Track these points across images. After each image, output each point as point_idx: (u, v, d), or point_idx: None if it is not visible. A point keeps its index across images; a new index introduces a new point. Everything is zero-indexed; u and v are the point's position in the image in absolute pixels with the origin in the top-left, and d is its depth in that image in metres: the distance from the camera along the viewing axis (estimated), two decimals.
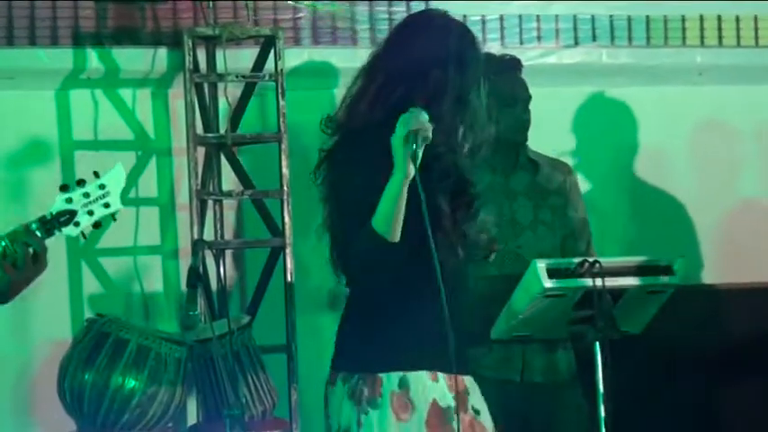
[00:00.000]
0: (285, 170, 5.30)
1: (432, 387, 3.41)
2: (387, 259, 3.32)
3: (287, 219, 5.30)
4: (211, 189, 5.37)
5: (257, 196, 5.38)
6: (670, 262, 4.41)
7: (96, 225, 3.33)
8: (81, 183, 3.33)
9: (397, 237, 3.30)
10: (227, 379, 4.77)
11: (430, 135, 3.25)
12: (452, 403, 3.39)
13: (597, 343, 4.27)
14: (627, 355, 4.35)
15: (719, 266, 5.91)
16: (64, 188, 3.32)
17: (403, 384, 3.42)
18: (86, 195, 3.33)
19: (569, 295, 4.26)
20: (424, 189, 3.21)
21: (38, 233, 3.28)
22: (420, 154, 3.23)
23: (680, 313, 4.90)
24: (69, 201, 3.31)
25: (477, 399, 3.47)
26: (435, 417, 3.39)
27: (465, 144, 3.43)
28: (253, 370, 4.97)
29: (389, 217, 3.28)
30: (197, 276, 4.38)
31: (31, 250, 3.26)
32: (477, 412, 3.47)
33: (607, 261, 4.23)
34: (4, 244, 3.26)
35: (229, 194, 5.39)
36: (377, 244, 3.30)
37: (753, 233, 5.87)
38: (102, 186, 3.34)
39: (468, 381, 3.48)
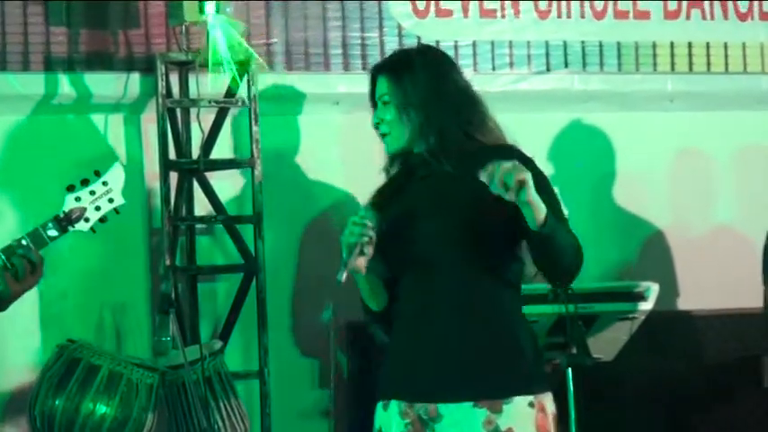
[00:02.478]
0: (258, 196, 5.29)
1: (379, 415, 3.45)
2: (381, 321, 3.49)
3: (259, 244, 5.29)
4: (184, 214, 5.35)
5: (230, 221, 5.36)
6: (642, 288, 4.42)
7: (102, 220, 3.61)
8: (85, 182, 3.59)
9: (381, 307, 3.46)
10: (198, 405, 4.75)
11: (369, 249, 3.31)
12: (404, 430, 3.40)
13: (569, 369, 4.28)
14: (600, 382, 4.36)
15: (695, 292, 5.92)
16: (71, 188, 3.57)
17: (382, 412, 3.47)
18: (92, 193, 3.59)
19: (542, 321, 4.26)
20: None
21: (52, 233, 3.50)
22: (352, 265, 3.30)
23: (655, 339, 4.92)
24: (78, 199, 3.57)
25: (454, 425, 3.41)
26: None
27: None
28: (225, 396, 4.95)
29: (366, 296, 3.46)
30: (169, 302, 4.37)
31: (28, 262, 3.47)
32: None
33: (579, 287, 4.23)
34: (3, 258, 3.47)
35: (201, 220, 5.38)
36: (371, 314, 3.49)
37: (728, 259, 5.89)
38: (105, 183, 3.61)
39: (445, 408, 3.39)
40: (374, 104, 3.51)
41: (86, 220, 3.57)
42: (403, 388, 3.40)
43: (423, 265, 3.40)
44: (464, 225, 3.38)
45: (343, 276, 3.29)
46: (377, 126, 3.50)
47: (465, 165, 3.40)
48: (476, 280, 3.39)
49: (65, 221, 3.53)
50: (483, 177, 3.20)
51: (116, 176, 3.64)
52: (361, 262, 3.32)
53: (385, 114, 3.47)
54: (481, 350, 3.36)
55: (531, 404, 3.35)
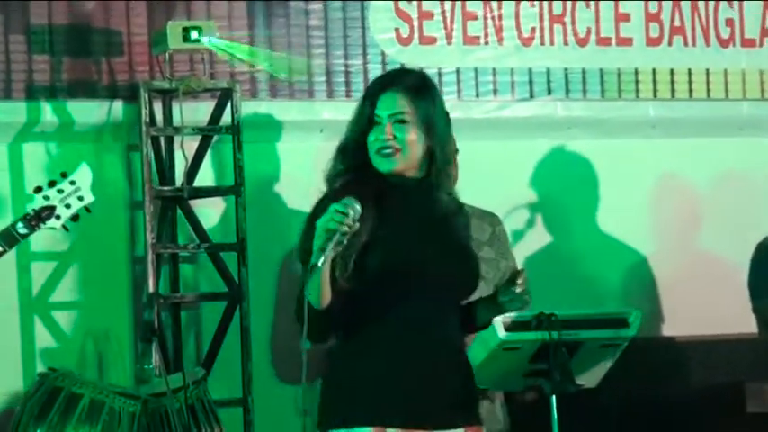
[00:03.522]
0: (242, 223, 5.29)
1: None
2: (317, 322, 3.38)
3: (243, 272, 5.29)
4: (167, 242, 5.35)
5: (213, 249, 5.36)
6: (625, 315, 4.42)
7: (75, 218, 3.71)
8: (52, 183, 3.69)
9: (324, 305, 3.36)
10: None
11: (345, 239, 3.29)
12: None
13: (553, 396, 4.27)
14: (583, 409, 4.35)
15: (678, 319, 5.93)
16: (38, 189, 3.67)
17: None
18: (61, 192, 3.70)
19: (525, 348, 4.26)
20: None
21: (22, 230, 3.61)
22: (329, 252, 3.28)
23: (638, 366, 4.92)
24: (47, 198, 3.67)
25: None
26: None
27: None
28: (208, 424, 4.93)
29: (315, 289, 3.36)
30: (152, 330, 4.35)
31: None
32: None
33: (563, 314, 4.23)
34: None
35: (185, 247, 5.37)
36: (308, 307, 3.38)
37: (710, 285, 5.89)
38: (72, 183, 3.72)
39: None
40: (370, 121, 3.45)
41: (57, 217, 3.67)
42: (395, 414, 3.38)
43: (404, 288, 3.40)
44: (447, 259, 3.45)
45: (320, 261, 3.24)
46: (385, 142, 3.43)
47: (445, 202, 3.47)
48: (448, 313, 3.48)
49: (34, 219, 3.61)
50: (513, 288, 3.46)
51: (83, 176, 3.74)
52: (331, 253, 3.28)
53: (400, 132, 3.44)
54: (460, 379, 3.48)
55: None
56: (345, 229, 3.27)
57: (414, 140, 3.43)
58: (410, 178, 3.46)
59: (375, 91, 3.47)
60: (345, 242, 3.28)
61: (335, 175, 3.50)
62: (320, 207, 3.42)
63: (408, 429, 3.40)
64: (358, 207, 3.30)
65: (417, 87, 3.47)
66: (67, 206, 3.69)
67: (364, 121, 3.46)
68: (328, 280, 3.34)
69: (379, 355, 3.41)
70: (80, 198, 3.72)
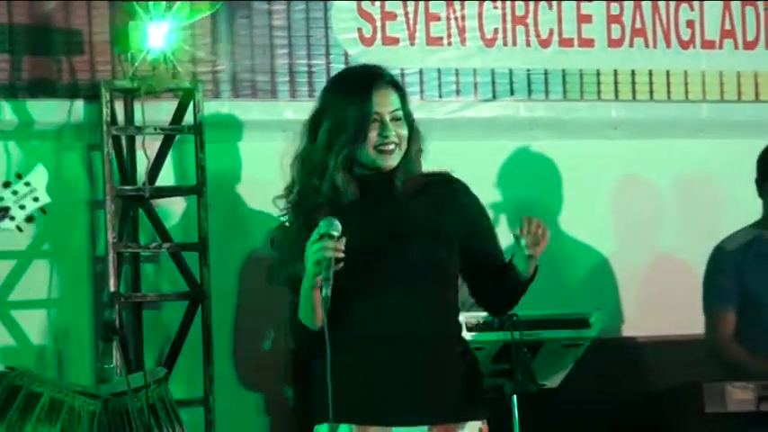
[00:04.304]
0: (204, 223, 5.28)
1: None
2: (314, 342, 3.41)
3: (205, 272, 5.28)
4: (128, 242, 5.33)
5: (175, 249, 5.35)
6: (586, 315, 4.45)
7: (29, 219, 3.69)
8: (7, 184, 3.67)
9: (319, 324, 3.38)
10: None
11: (338, 254, 3.30)
12: None
13: (515, 396, 4.29)
14: (544, 408, 4.37)
15: (639, 319, 5.95)
16: None
17: None
18: (15, 193, 3.68)
19: (488, 348, 4.27)
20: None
21: None
22: (330, 278, 3.29)
23: (599, 366, 4.94)
24: (1, 199, 3.65)
25: None
26: None
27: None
28: (169, 423, 4.92)
29: (307, 312, 3.40)
30: (112, 329, 4.34)
31: None
32: None
33: (525, 314, 4.25)
34: None
35: (147, 247, 5.36)
36: (304, 332, 3.44)
37: (670, 286, 5.92)
38: (27, 184, 3.69)
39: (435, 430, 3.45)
40: (367, 119, 3.46)
41: (12, 218, 3.64)
42: (355, 411, 3.40)
43: (382, 288, 3.42)
44: (425, 253, 3.45)
45: (329, 292, 3.27)
46: (388, 138, 3.47)
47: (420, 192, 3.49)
48: (429, 307, 3.46)
49: None
50: (523, 231, 3.43)
51: (39, 177, 3.71)
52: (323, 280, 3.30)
53: (398, 128, 3.49)
54: (435, 375, 3.44)
55: (480, 430, 3.48)
56: (339, 254, 3.30)
57: (406, 135, 3.50)
58: (386, 173, 3.50)
59: (365, 88, 3.49)
60: (341, 263, 3.32)
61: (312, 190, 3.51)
62: (289, 232, 3.46)
63: (370, 426, 3.42)
64: (338, 223, 3.32)
65: (396, 82, 3.54)
66: (22, 207, 3.66)
67: (367, 120, 3.47)
68: (320, 304, 3.35)
69: (359, 351, 3.43)
70: (35, 199, 3.68)
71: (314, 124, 3.54)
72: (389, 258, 3.43)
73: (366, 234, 3.42)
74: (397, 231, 3.46)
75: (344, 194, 3.46)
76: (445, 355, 3.47)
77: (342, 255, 3.30)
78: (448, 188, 3.58)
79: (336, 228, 3.31)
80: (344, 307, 3.40)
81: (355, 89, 3.50)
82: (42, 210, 3.69)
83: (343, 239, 3.30)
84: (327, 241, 3.28)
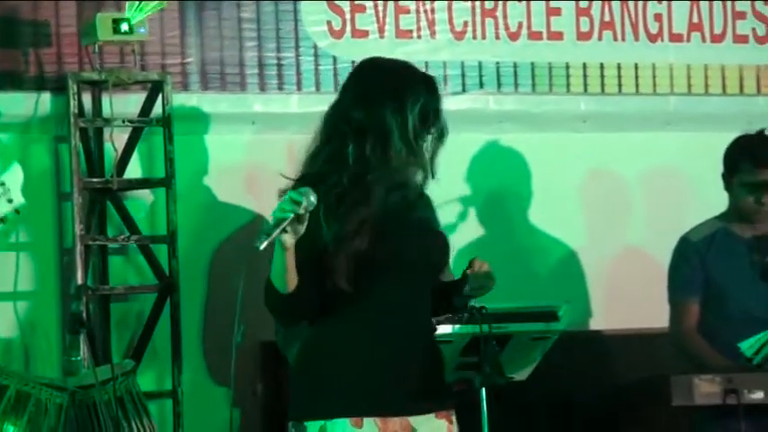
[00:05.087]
0: (172, 215, 5.27)
1: None
2: (285, 307, 3.44)
3: (174, 264, 5.27)
4: (96, 234, 5.32)
5: (143, 241, 5.33)
6: (555, 308, 4.45)
7: (2, 220, 3.60)
8: None
9: (290, 289, 3.40)
10: (110, 425, 4.71)
11: (301, 229, 3.32)
12: None
13: (483, 389, 4.30)
14: (512, 402, 4.38)
15: (606, 313, 5.98)
16: None
17: None
18: None
19: (456, 341, 4.28)
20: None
21: None
22: (281, 238, 3.32)
23: (567, 359, 4.95)
24: None
25: None
26: None
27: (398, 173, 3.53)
28: (137, 416, 4.91)
29: (279, 273, 3.40)
30: (79, 322, 4.33)
31: None
32: None
33: (493, 307, 4.25)
34: None
35: (115, 239, 5.35)
36: (274, 295, 3.43)
37: (637, 280, 5.95)
38: (2, 184, 3.60)
39: (417, 421, 3.50)
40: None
41: None
42: (372, 403, 3.42)
43: (380, 283, 3.45)
44: (417, 242, 3.53)
45: (263, 245, 3.29)
46: None
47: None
48: (420, 298, 3.55)
49: None
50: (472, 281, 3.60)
51: (14, 177, 3.62)
52: (288, 239, 3.31)
53: None
54: (433, 364, 3.56)
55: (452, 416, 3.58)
56: (291, 216, 3.30)
57: None
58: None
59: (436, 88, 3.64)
60: (300, 230, 3.31)
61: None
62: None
63: (385, 417, 3.45)
64: (313, 198, 3.32)
65: None
66: None
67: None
68: (293, 267, 3.37)
69: (352, 345, 3.45)
70: (9, 200, 3.61)
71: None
72: (395, 256, 3.48)
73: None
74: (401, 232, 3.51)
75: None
76: (434, 345, 3.60)
77: (300, 224, 3.30)
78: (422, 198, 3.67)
79: (308, 199, 3.32)
80: (335, 297, 3.43)
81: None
82: (17, 211, 3.62)
83: (307, 213, 3.31)
84: (289, 204, 3.31)
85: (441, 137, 3.60)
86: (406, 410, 3.48)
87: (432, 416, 3.53)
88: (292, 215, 3.29)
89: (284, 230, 3.30)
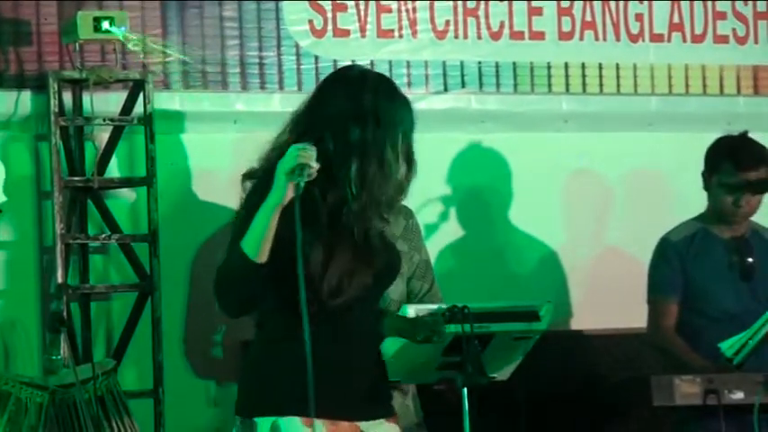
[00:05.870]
0: (154, 214, 5.26)
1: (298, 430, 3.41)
2: (246, 277, 3.33)
3: (155, 263, 5.26)
4: (77, 233, 5.30)
5: (124, 240, 5.32)
6: (536, 308, 4.45)
7: None
8: None
9: (263, 258, 3.32)
10: (90, 424, 4.70)
11: (315, 173, 3.29)
12: None
13: (465, 389, 4.30)
14: (493, 401, 4.38)
15: (586, 313, 5.99)
16: None
17: (274, 430, 3.42)
18: None
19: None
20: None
21: None
22: (302, 186, 3.27)
23: (548, 359, 4.96)
24: None
25: None
26: None
27: (378, 201, 3.47)
28: (117, 415, 4.90)
29: (257, 237, 3.30)
30: (60, 320, 4.33)
31: None
32: None
33: (475, 307, 4.25)
34: None
35: (96, 238, 5.33)
36: (241, 261, 3.31)
37: (617, 280, 5.96)
38: None
39: (366, 425, 3.50)
40: None
41: None
42: (327, 406, 3.39)
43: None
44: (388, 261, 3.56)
45: (303, 182, 3.23)
46: None
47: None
48: (372, 302, 3.56)
49: None
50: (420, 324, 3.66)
51: None
52: (294, 186, 3.26)
53: None
54: (381, 370, 3.57)
55: None
56: (311, 162, 3.26)
57: None
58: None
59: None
60: (312, 175, 3.27)
61: None
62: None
63: (335, 420, 3.44)
64: (314, 152, 3.29)
65: None
66: None
67: None
68: (273, 231, 3.29)
69: (305, 346, 3.38)
70: None
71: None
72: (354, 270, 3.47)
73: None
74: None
75: None
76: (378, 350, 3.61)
77: (314, 167, 3.26)
78: None
79: (312, 147, 3.29)
80: (286, 294, 3.38)
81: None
82: None
83: (317, 164, 3.28)
84: (305, 151, 3.27)
85: (414, 166, 3.54)
86: (356, 415, 3.48)
87: (382, 420, 3.53)
88: (311, 162, 3.25)
89: (309, 175, 3.25)
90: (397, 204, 4.50)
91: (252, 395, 3.47)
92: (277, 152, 3.42)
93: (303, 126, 3.48)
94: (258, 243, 3.29)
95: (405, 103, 3.54)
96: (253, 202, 3.36)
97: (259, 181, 3.43)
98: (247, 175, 3.50)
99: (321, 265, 3.38)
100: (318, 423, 3.40)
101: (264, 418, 3.43)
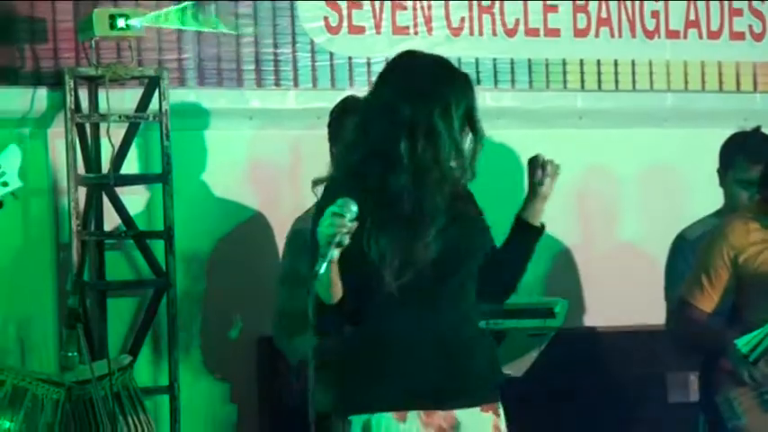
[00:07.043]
0: (169, 211, 5.27)
1: (395, 427, 3.42)
2: (331, 314, 3.43)
3: (170, 259, 5.27)
4: (93, 229, 5.32)
5: (140, 237, 5.33)
6: (551, 305, 4.45)
7: None
8: None
9: (336, 299, 3.40)
10: (106, 420, 4.71)
11: (346, 239, 3.32)
12: None
13: None
14: (507, 398, 4.38)
15: (601, 310, 5.98)
16: None
17: (366, 427, 3.44)
18: None
19: None
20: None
21: None
22: (333, 255, 3.31)
23: (562, 356, 4.96)
24: None
25: (471, 430, 3.48)
26: None
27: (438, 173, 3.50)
28: (133, 411, 4.91)
29: (325, 287, 3.39)
30: (76, 317, 4.33)
31: None
32: None
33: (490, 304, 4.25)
34: None
35: (111, 235, 5.35)
36: (321, 304, 3.42)
37: (631, 276, 5.95)
38: None
39: (462, 414, 3.48)
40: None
41: None
42: (420, 398, 3.40)
43: (422, 280, 3.43)
44: (461, 243, 3.56)
45: (323, 268, 3.28)
46: None
47: None
48: (461, 292, 3.53)
49: None
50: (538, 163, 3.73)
51: (11, 159, 3.51)
52: (336, 253, 3.31)
53: None
54: (473, 357, 3.52)
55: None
56: (344, 230, 3.30)
57: None
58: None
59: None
60: (345, 242, 3.31)
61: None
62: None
63: (429, 411, 3.44)
64: (354, 208, 3.32)
65: None
66: None
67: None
68: (338, 277, 3.36)
69: (396, 340, 3.41)
70: (4, 184, 3.51)
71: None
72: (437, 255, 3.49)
73: None
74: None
75: None
76: (481, 337, 3.60)
77: (347, 234, 3.29)
78: None
79: (350, 209, 3.31)
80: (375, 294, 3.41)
81: None
82: (14, 194, 3.49)
83: (354, 223, 3.30)
84: (334, 218, 3.29)
85: (480, 137, 3.57)
86: (450, 404, 3.46)
87: (477, 409, 3.50)
88: (343, 230, 3.29)
89: (338, 244, 3.29)
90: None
91: (345, 393, 3.49)
92: (344, 161, 3.48)
93: (364, 122, 3.50)
94: (329, 292, 3.39)
95: (457, 77, 3.58)
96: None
97: (329, 191, 3.47)
98: (317, 182, 3.53)
99: (380, 251, 3.40)
100: (413, 415, 3.41)
101: (358, 416, 3.44)
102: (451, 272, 3.50)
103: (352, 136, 3.53)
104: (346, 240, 3.31)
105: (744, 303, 4.52)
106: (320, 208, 3.42)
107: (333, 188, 3.46)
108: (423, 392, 3.41)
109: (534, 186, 3.68)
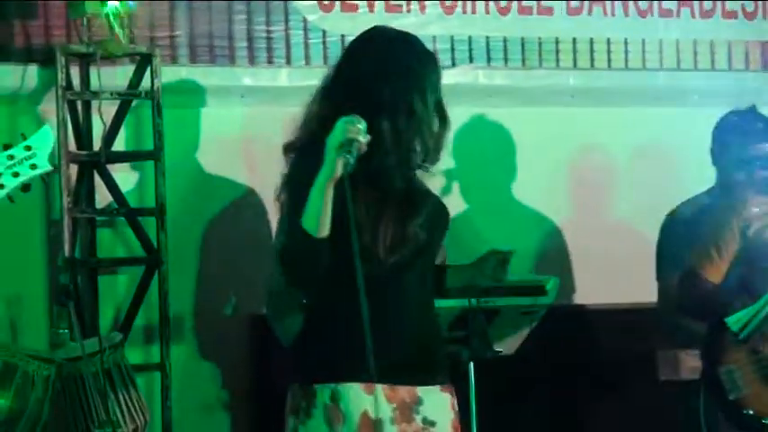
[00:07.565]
0: (161, 188, 5.26)
1: (363, 399, 3.43)
2: (312, 253, 3.37)
3: (162, 237, 5.27)
4: (84, 206, 5.31)
5: (131, 214, 5.33)
6: (542, 282, 4.46)
7: (25, 188, 3.33)
8: (8, 147, 3.31)
9: (323, 233, 3.35)
10: (97, 397, 4.71)
11: (365, 147, 3.31)
12: (391, 414, 3.45)
13: (471, 363, 4.31)
14: (496, 375, 4.39)
15: (592, 287, 5.99)
16: None
17: (335, 396, 3.45)
18: (11, 158, 3.32)
19: (444, 315, 4.28)
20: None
21: None
22: (352, 162, 3.29)
23: (553, 333, 4.97)
24: None
25: (433, 409, 3.51)
26: (366, 428, 3.42)
27: (414, 155, 3.50)
28: (124, 388, 4.91)
29: (316, 214, 3.35)
30: (67, 294, 4.33)
31: None
32: (430, 423, 3.51)
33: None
34: None
35: (102, 212, 5.34)
36: (305, 239, 3.36)
37: (623, 255, 5.95)
38: (28, 148, 3.32)
39: (423, 391, 3.51)
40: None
41: (1, 186, 3.32)
42: (386, 373, 3.40)
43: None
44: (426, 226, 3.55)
45: (353, 159, 3.24)
46: None
47: None
48: (424, 275, 3.56)
49: None
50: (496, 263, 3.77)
51: (43, 141, 3.36)
52: (340, 166, 3.28)
53: None
54: (437, 338, 3.59)
55: None
56: (358, 136, 3.28)
57: None
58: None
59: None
60: (362, 149, 3.29)
61: None
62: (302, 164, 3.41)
63: (394, 386, 3.46)
64: (364, 126, 3.30)
65: None
66: (15, 174, 3.27)
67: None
68: (330, 205, 3.33)
69: (360, 318, 3.36)
70: (33, 166, 3.29)
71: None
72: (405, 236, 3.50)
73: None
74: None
75: None
76: (435, 320, 3.67)
77: (363, 141, 3.28)
78: None
79: (361, 122, 3.30)
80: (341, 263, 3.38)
81: None
82: (43, 178, 3.34)
83: (367, 137, 3.29)
84: (347, 125, 3.29)
85: (447, 120, 3.57)
86: (413, 380, 3.49)
87: (437, 387, 3.54)
88: (360, 137, 3.26)
89: (350, 152, 3.26)
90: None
91: (310, 362, 3.48)
92: (318, 123, 3.44)
93: (336, 95, 3.48)
94: (318, 220, 3.34)
95: (430, 59, 3.57)
96: (301, 176, 3.38)
97: (302, 154, 3.44)
98: (288, 147, 3.51)
99: (372, 226, 3.41)
100: (379, 388, 3.42)
101: (324, 384, 3.45)
102: (429, 251, 3.53)
103: (316, 105, 3.52)
104: (364, 149, 3.28)
105: (751, 275, 4.55)
106: (295, 169, 3.41)
107: (308, 151, 3.41)
108: (388, 368, 3.41)
109: (485, 275, 3.68)
